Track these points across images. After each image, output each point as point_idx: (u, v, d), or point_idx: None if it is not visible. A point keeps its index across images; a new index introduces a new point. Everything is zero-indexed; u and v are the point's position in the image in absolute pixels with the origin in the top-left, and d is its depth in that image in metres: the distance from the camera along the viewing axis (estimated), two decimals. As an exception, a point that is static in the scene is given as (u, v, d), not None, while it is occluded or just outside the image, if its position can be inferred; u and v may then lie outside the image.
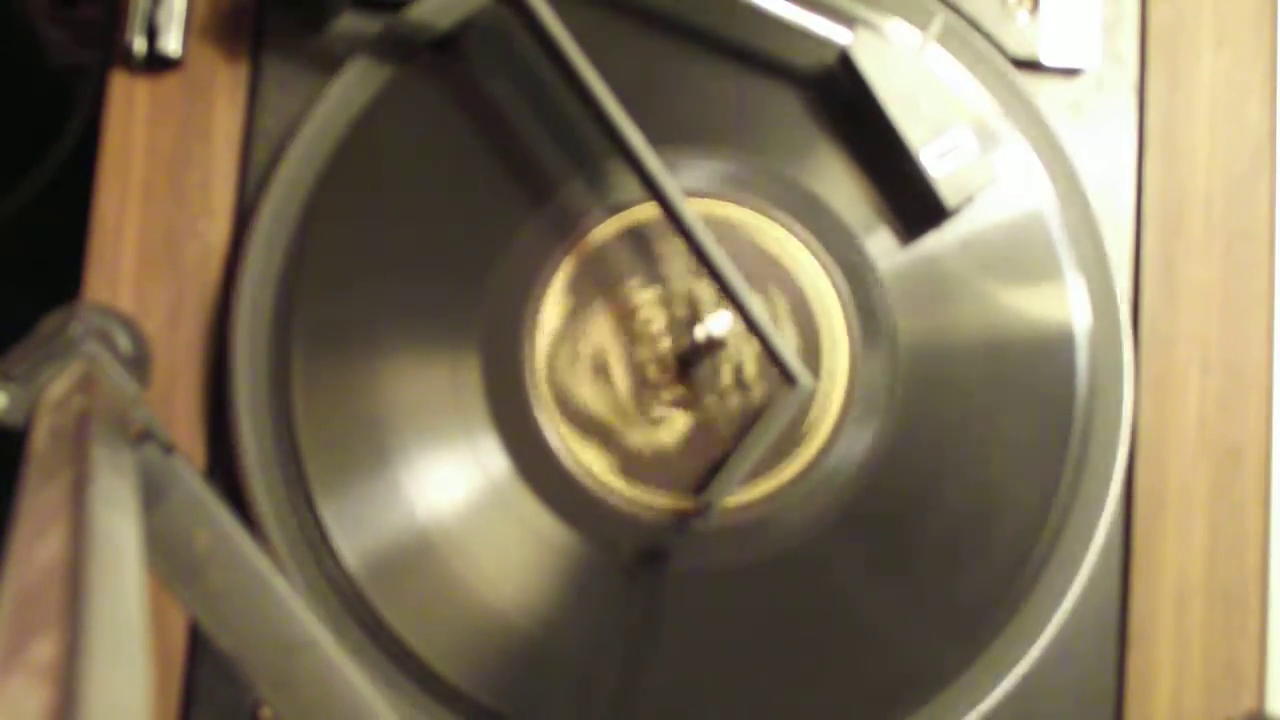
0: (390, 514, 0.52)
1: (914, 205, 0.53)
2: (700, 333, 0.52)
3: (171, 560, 0.38)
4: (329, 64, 0.54)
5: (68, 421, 0.35)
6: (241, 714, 0.52)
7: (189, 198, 0.54)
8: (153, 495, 0.37)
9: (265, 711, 0.51)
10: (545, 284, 0.53)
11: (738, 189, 0.54)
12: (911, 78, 0.52)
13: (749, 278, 0.51)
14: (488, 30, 0.54)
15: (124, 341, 0.45)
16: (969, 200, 0.53)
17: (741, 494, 0.53)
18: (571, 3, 0.53)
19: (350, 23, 0.54)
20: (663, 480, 0.53)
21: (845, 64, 0.53)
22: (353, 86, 0.54)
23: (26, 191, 0.78)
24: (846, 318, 0.54)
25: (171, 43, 0.53)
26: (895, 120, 0.52)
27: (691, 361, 0.53)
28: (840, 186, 0.54)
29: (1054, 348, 0.54)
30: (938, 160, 0.52)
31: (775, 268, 0.54)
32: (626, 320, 0.53)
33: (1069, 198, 0.55)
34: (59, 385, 0.39)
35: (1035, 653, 0.53)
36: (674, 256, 0.54)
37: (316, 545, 0.52)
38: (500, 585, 0.52)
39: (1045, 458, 0.54)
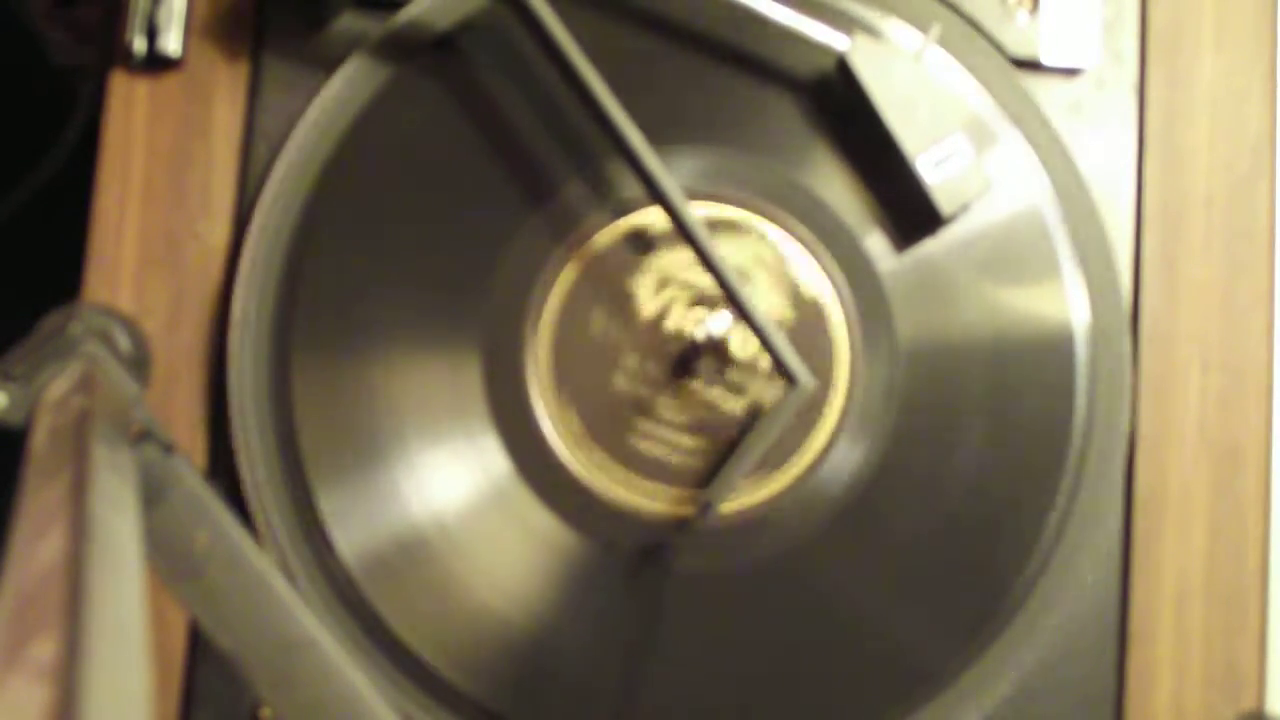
0: (391, 514, 0.52)
1: (911, 211, 0.53)
2: (700, 333, 0.52)
3: (171, 560, 0.38)
4: (329, 64, 0.54)
5: (68, 421, 0.35)
6: (241, 714, 0.52)
7: (189, 198, 0.54)
8: (153, 495, 0.38)
9: (265, 711, 0.51)
10: (545, 284, 0.53)
11: (738, 189, 0.54)
12: (909, 83, 0.52)
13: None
14: (488, 30, 0.54)
15: (124, 341, 0.45)
16: (965, 208, 0.53)
17: (742, 494, 0.53)
18: (571, 3, 0.53)
19: (350, 22, 0.54)
20: (663, 480, 0.53)
21: (843, 70, 0.53)
22: (352, 86, 0.54)
23: (26, 191, 0.78)
24: (846, 318, 0.54)
25: (171, 43, 0.53)
26: (892, 127, 0.52)
27: (692, 361, 0.53)
28: (840, 189, 0.54)
29: (1054, 347, 0.54)
30: (934, 168, 0.52)
31: (775, 268, 0.54)
32: (627, 320, 0.53)
33: (1070, 197, 0.55)
34: (59, 385, 0.39)
35: (1035, 653, 0.53)
36: (674, 257, 0.54)
37: (316, 545, 0.52)
38: (500, 585, 0.52)
39: (1045, 458, 0.54)
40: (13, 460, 0.35)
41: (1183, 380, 0.56)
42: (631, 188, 0.53)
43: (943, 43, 0.55)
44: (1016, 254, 0.54)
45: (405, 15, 0.54)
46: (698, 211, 0.52)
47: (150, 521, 0.37)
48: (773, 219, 0.54)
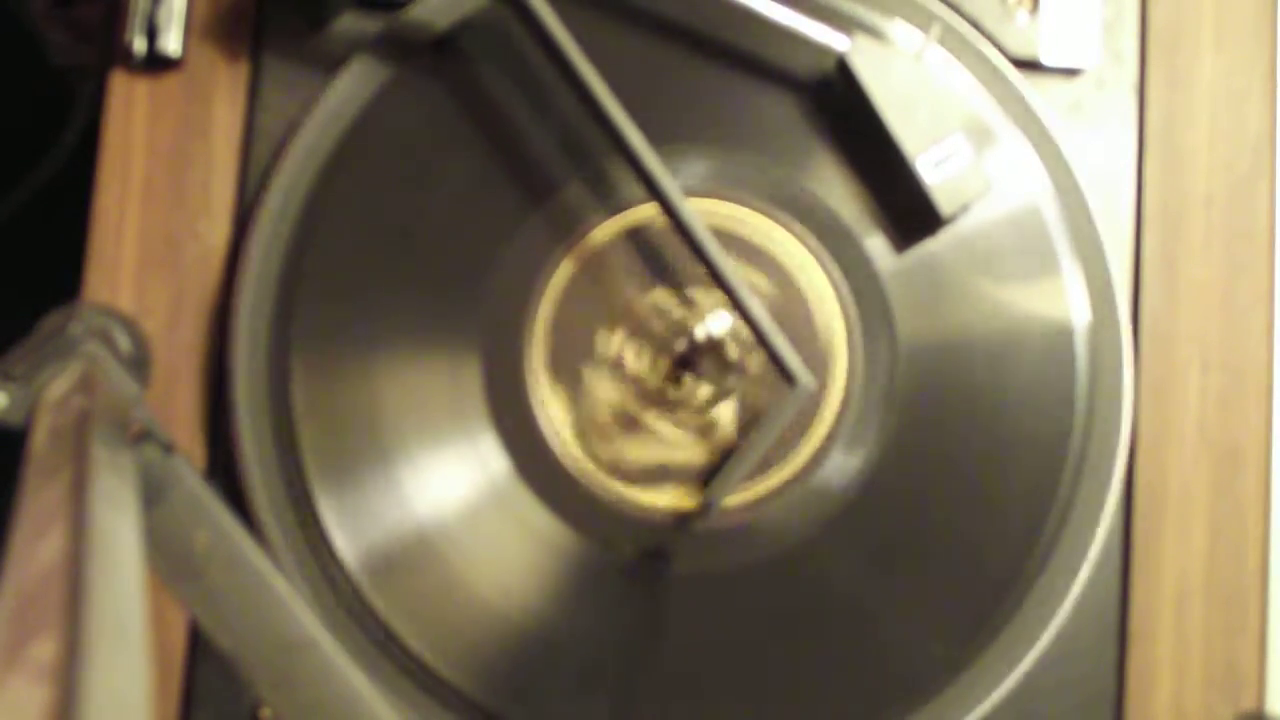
0: (390, 514, 0.52)
1: (911, 212, 0.53)
2: (700, 332, 0.52)
3: (171, 560, 0.38)
4: (329, 64, 0.54)
5: (68, 421, 0.35)
6: (241, 714, 0.52)
7: (189, 197, 0.54)
8: (153, 495, 0.37)
9: (265, 711, 0.51)
10: (545, 284, 0.53)
11: (738, 189, 0.54)
12: (909, 84, 0.52)
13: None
14: (488, 30, 0.54)
15: (124, 341, 0.45)
16: (964, 209, 0.53)
17: (742, 494, 0.53)
18: (571, 3, 0.53)
19: (350, 23, 0.54)
20: (663, 480, 0.53)
21: (843, 70, 0.53)
22: (353, 86, 0.54)
23: (26, 191, 0.78)
24: (846, 317, 0.54)
25: (171, 42, 0.53)
26: (892, 127, 0.52)
27: (691, 361, 0.53)
28: (840, 189, 0.54)
29: (1054, 347, 0.54)
30: (934, 168, 0.52)
31: (775, 267, 0.54)
32: (626, 320, 0.53)
33: (1070, 197, 0.55)
34: (59, 385, 0.39)
35: (1035, 653, 0.53)
36: (674, 256, 0.54)
37: (316, 545, 0.52)
38: (500, 585, 0.52)
39: (1045, 457, 0.54)
40: (13, 460, 0.35)
41: (1183, 380, 0.56)
42: (631, 187, 0.53)
43: (943, 43, 0.55)
44: (1016, 254, 0.54)
45: (405, 15, 0.54)
46: (697, 210, 0.52)
47: (150, 521, 0.37)
48: (773, 218, 0.54)
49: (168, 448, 0.38)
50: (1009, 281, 0.54)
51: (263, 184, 0.54)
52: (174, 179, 0.54)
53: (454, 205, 0.54)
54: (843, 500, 0.53)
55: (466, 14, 0.54)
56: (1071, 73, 0.57)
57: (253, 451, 0.52)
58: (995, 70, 0.56)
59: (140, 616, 0.26)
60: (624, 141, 0.50)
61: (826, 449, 0.53)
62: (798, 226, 0.54)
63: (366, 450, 0.52)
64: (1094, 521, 0.54)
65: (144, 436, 0.38)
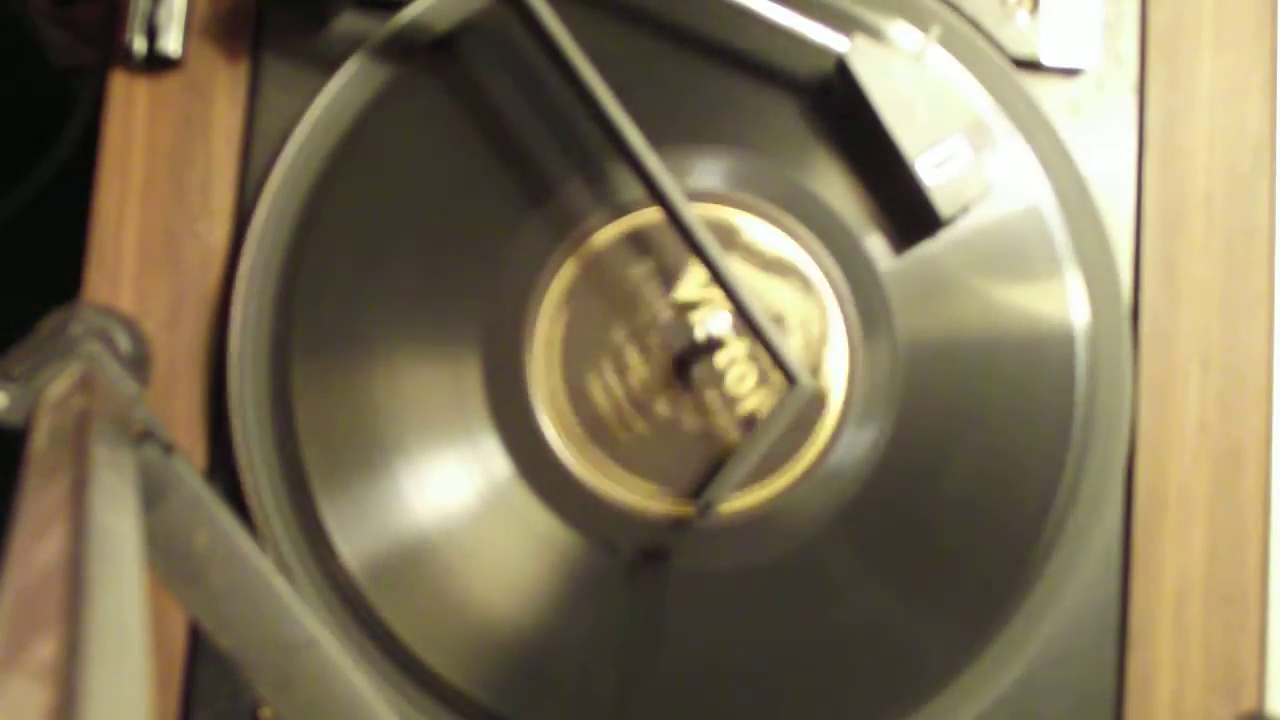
0: (390, 514, 0.52)
1: (910, 213, 0.53)
2: (700, 333, 0.52)
3: (171, 560, 0.38)
4: (329, 64, 0.54)
5: (68, 421, 0.35)
6: (241, 714, 0.52)
7: (189, 198, 0.54)
8: (153, 495, 0.38)
9: (265, 711, 0.51)
10: (545, 284, 0.53)
11: (737, 190, 0.54)
12: (909, 85, 0.52)
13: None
14: (487, 30, 0.54)
15: (124, 341, 0.45)
16: (964, 210, 0.53)
17: (742, 494, 0.53)
18: (571, 3, 0.53)
19: (350, 23, 0.54)
20: (663, 480, 0.53)
21: (842, 71, 0.53)
22: (352, 86, 0.54)
23: (26, 191, 0.78)
24: (846, 318, 0.54)
25: (171, 42, 0.53)
26: (891, 129, 0.52)
27: (692, 361, 0.53)
28: (840, 189, 0.54)
29: (1054, 347, 0.54)
30: (933, 170, 0.52)
31: (775, 268, 0.54)
32: (627, 320, 0.53)
33: (1070, 197, 0.55)
34: (59, 385, 0.39)
35: (1035, 653, 0.53)
36: (674, 257, 0.54)
37: (317, 545, 0.52)
38: (500, 585, 0.52)
39: (1045, 457, 0.54)
40: (13, 460, 0.35)
41: (1183, 380, 0.56)
42: (631, 188, 0.53)
43: (943, 43, 0.55)
44: (1017, 254, 0.54)
45: (405, 15, 0.54)
46: (697, 211, 0.52)
47: (150, 521, 0.37)
48: (773, 218, 0.54)
49: (168, 448, 0.38)
50: (1009, 281, 0.54)
51: (262, 184, 0.54)
52: (174, 179, 0.54)
53: (454, 206, 0.54)
54: (844, 501, 0.53)
55: (466, 14, 0.54)
56: (1071, 73, 0.57)
57: (253, 451, 0.52)
58: (995, 71, 0.56)
59: (140, 616, 0.26)
60: (624, 142, 0.50)
61: (828, 449, 0.53)
62: (798, 227, 0.54)
63: (367, 451, 0.52)
64: (1094, 521, 0.54)
65: (144, 436, 0.38)
